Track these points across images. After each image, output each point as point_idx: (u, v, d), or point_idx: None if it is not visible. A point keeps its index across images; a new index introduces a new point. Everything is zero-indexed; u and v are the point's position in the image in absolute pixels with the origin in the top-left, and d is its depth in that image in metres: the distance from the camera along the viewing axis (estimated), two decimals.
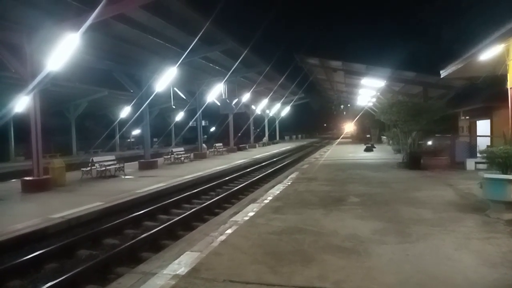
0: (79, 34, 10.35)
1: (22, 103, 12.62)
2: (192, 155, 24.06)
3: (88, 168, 14.92)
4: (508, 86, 8.36)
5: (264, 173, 17.15)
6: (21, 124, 18.31)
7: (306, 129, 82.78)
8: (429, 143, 16.60)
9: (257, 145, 39.00)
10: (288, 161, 23.91)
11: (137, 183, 12.89)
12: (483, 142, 12.50)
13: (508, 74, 8.36)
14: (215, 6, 13.81)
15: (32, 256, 6.03)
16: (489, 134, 14.12)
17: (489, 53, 8.32)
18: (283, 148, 34.77)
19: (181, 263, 4.44)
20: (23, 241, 6.72)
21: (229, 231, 5.79)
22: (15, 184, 12.87)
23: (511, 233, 5.20)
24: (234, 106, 26.62)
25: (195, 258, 4.58)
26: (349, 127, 54.85)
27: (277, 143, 47.63)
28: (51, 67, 11.40)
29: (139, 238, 7.11)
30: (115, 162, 16.10)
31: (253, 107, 38.01)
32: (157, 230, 7.59)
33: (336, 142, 42.91)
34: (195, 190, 12.16)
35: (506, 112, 8.75)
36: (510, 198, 5.81)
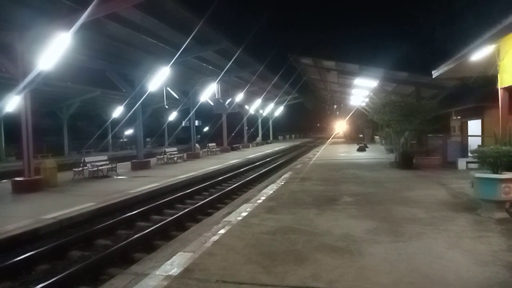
0: (71, 33, 10.25)
1: (13, 103, 12.51)
2: (185, 155, 23.95)
3: (80, 169, 14.77)
4: (499, 86, 8.46)
5: (258, 173, 17.16)
6: (12, 124, 18.15)
7: (299, 129, 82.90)
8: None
9: (250, 145, 38.98)
10: (282, 161, 23.95)
11: (130, 184, 12.80)
12: (474, 142, 12.61)
13: (498, 75, 8.46)
14: (209, 5, 13.78)
15: (23, 258, 5.95)
16: (480, 134, 14.26)
17: (480, 54, 8.40)
18: (277, 148, 34.81)
19: (174, 264, 4.42)
20: (14, 242, 6.64)
21: (222, 231, 5.77)
22: (5, 184, 12.69)
23: (502, 232, 5.26)
24: (227, 106, 26.52)
25: (188, 259, 4.56)
26: (342, 127, 55.06)
27: (270, 143, 47.65)
28: (43, 67, 11.29)
29: (131, 238, 7.07)
30: (108, 162, 15.96)
31: (246, 107, 37.99)
32: (150, 231, 7.55)
33: (330, 142, 43.07)
34: (188, 190, 12.12)
35: (497, 112, 8.84)
36: (501, 197, 5.88)
